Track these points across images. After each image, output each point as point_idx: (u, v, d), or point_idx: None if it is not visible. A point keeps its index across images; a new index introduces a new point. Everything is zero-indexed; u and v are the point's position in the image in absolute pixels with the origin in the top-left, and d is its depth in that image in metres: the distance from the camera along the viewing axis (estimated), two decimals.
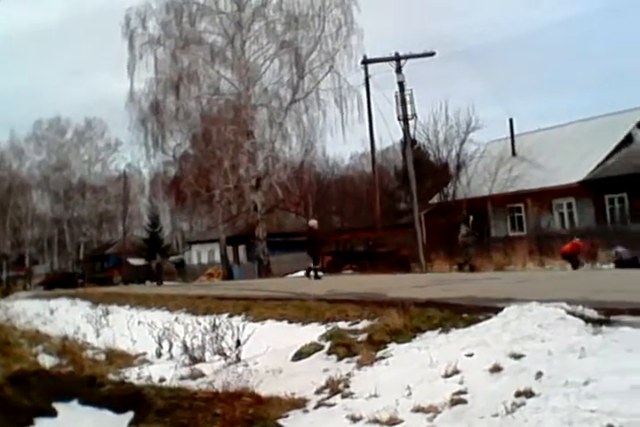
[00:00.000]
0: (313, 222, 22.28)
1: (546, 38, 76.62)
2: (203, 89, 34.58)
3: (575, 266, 22.26)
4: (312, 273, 20.98)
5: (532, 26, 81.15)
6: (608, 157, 30.96)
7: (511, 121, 36.99)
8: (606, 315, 5.89)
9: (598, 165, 30.74)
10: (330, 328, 8.03)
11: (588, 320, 5.74)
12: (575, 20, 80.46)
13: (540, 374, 4.63)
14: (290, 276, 29.41)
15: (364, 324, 7.93)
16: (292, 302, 11.81)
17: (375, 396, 5.18)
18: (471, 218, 24.12)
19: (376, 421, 4.65)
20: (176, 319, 10.93)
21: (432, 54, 31.50)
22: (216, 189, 33.83)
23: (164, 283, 35.30)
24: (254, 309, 11.79)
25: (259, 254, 34.55)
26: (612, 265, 21.45)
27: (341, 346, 6.85)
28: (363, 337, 7.04)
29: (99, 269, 58.97)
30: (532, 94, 79.99)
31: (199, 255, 52.62)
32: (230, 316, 11.18)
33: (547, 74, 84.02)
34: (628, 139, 31.50)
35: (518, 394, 4.38)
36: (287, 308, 11.15)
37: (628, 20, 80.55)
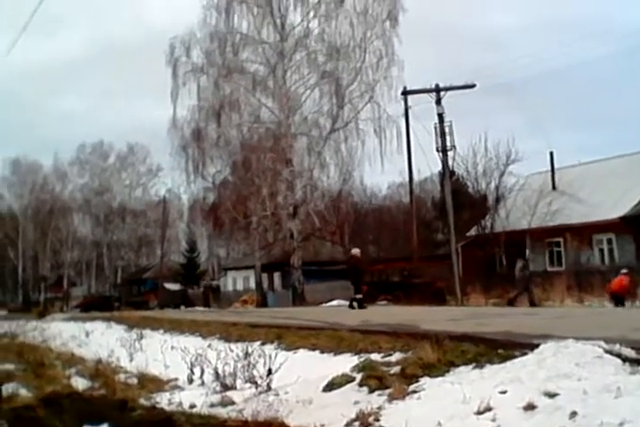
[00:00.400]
0: (356, 251, 21.90)
1: (588, 71, 76.09)
2: (244, 117, 35.03)
3: (618, 304, 21.63)
4: (355, 303, 20.66)
5: (573, 58, 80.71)
6: None
7: (551, 154, 36.72)
8: None
9: None
10: (362, 360, 7.94)
11: (625, 359, 5.61)
12: (619, 54, 79.86)
13: (574, 414, 4.53)
14: (324, 305, 29.30)
15: (396, 356, 7.81)
16: (325, 331, 11.72)
17: None
18: (528, 252, 23.73)
19: None
20: (209, 346, 10.94)
21: (472, 86, 31.63)
22: (253, 216, 34.05)
23: (198, 308, 35.41)
24: (287, 337, 11.73)
25: (294, 282, 34.53)
26: None
27: (373, 378, 6.74)
28: (395, 370, 6.92)
29: (135, 293, 59.59)
30: (573, 127, 79.61)
31: (234, 281, 52.76)
32: (263, 344, 11.13)
33: (588, 107, 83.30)
34: None
35: None
36: (320, 337, 11.06)
37: None
